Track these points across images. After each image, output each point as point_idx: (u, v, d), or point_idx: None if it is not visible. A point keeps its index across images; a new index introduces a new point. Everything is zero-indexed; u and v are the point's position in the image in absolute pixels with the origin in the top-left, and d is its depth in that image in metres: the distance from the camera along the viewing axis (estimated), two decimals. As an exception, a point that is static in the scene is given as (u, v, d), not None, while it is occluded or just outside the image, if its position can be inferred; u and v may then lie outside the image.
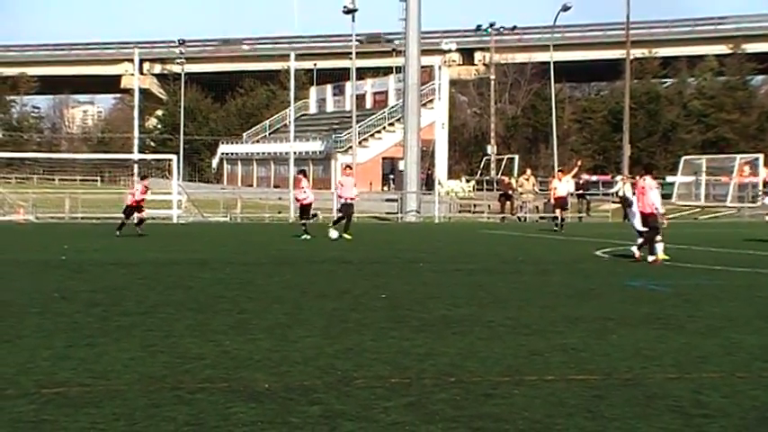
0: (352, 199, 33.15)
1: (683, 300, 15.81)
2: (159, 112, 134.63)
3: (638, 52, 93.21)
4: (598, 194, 61.24)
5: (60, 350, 10.38)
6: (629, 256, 24.19)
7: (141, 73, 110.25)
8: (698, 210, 56.96)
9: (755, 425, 7.67)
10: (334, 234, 31.47)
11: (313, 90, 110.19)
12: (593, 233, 35.15)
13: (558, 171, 45.12)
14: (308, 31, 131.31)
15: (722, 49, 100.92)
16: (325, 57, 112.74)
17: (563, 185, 41.01)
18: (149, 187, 35.39)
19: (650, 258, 22.72)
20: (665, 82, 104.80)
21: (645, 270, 21.31)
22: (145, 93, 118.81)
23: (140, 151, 70.52)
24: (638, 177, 24.99)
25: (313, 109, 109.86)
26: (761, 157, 67.68)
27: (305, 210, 33.29)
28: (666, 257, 23.32)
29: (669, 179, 67.54)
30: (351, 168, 36.71)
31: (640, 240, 24.13)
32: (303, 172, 37.43)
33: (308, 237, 31.63)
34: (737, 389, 8.89)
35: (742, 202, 61.75)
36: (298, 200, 34.21)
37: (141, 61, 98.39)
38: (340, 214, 33.48)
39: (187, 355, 10.11)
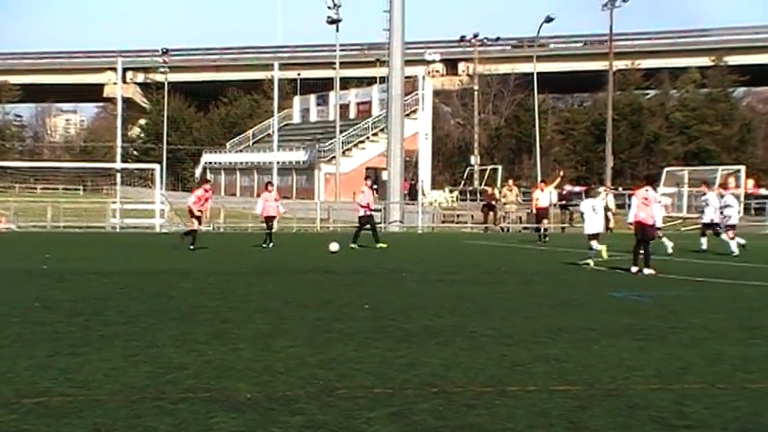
0: (371, 210, 33.84)
1: (666, 310, 15.84)
2: (142, 121, 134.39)
3: (620, 64, 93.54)
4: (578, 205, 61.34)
5: (41, 360, 10.34)
6: (613, 268, 24.28)
7: (124, 82, 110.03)
8: (680, 221, 57.10)
9: (737, 436, 7.70)
10: (383, 245, 32.42)
11: (297, 100, 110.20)
12: (577, 244, 35.16)
13: (541, 182, 45.20)
14: (291, 41, 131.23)
15: (704, 61, 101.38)
16: (309, 66, 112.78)
17: (545, 196, 41.06)
18: (210, 192, 32.65)
19: (647, 271, 22.61)
20: (648, 93, 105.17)
21: (627, 281, 21.35)
22: (128, 102, 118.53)
23: (123, 160, 70.34)
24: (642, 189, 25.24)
25: (297, 119, 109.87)
26: (743, 169, 67.99)
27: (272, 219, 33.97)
28: (606, 258, 25.04)
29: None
30: (370, 178, 37.30)
31: (595, 244, 25.27)
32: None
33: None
34: (719, 400, 8.91)
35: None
36: (278, 213, 34.47)
37: (124, 70, 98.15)
38: (367, 226, 33.74)
39: (169, 365, 10.08)
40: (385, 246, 32.35)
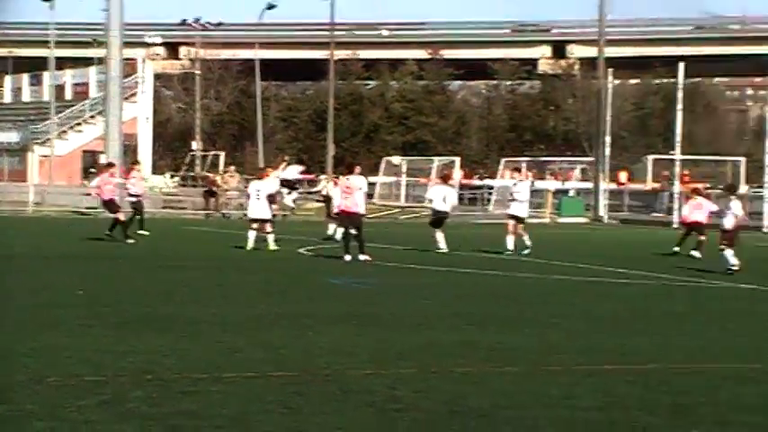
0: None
1: (384, 297, 16.19)
2: None
3: (342, 53, 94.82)
4: (303, 193, 61.85)
5: None
6: (332, 256, 24.59)
7: None
8: (398, 210, 58.55)
9: (444, 418, 7.94)
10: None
11: (8, 79, 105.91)
12: (297, 231, 35.47)
13: (266, 168, 45.06)
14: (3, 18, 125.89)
15: (422, 53, 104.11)
16: (22, 45, 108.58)
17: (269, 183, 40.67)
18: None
19: (362, 257, 22.75)
20: (369, 84, 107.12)
21: (347, 268, 21.67)
22: None
23: None
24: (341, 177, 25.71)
25: (8, 98, 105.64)
26: (457, 160, 70.39)
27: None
28: (277, 248, 25.04)
29: (371, 179, 69.07)
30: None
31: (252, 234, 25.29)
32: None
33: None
34: (431, 384, 9.17)
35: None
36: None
37: None
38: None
39: None
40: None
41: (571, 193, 57.49)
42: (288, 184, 46.04)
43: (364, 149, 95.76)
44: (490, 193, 62.37)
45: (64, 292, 15.32)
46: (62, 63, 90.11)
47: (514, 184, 28.10)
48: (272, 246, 25.32)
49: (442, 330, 12.59)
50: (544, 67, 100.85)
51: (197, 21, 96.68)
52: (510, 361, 10.55)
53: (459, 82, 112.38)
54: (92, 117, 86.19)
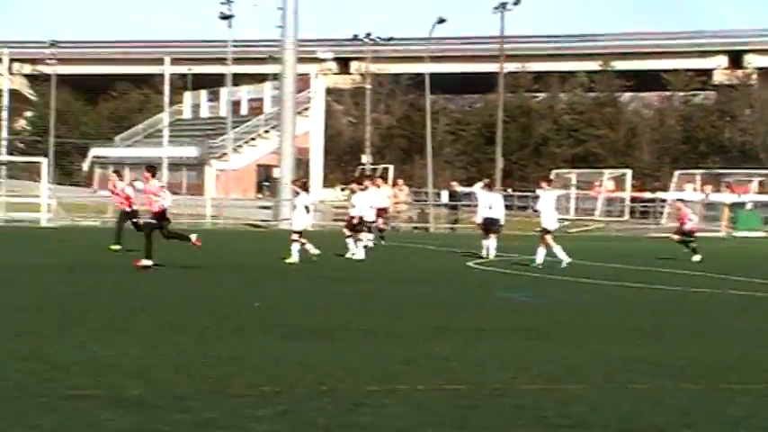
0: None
1: (553, 311, 16.08)
2: (28, 114, 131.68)
3: (511, 66, 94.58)
4: (470, 206, 61.81)
5: None
6: (505, 271, 24.58)
7: (11, 73, 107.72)
8: (568, 223, 57.97)
9: (618, 434, 7.87)
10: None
11: (187, 95, 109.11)
12: (465, 244, 35.53)
13: (376, 178, 42.85)
14: (183, 36, 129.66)
15: (592, 65, 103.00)
16: (201, 62, 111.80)
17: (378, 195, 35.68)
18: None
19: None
20: (537, 96, 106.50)
21: (516, 281, 21.62)
22: (13, 93, 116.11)
23: (9, 153, 69.02)
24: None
25: (187, 114, 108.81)
26: (629, 172, 69.33)
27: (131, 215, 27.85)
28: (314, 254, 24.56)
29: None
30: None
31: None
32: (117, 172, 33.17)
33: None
34: (601, 400, 9.09)
35: (610, 216, 63.15)
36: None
37: (11, 61, 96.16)
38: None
39: (54, 362, 9.92)
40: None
41: (748, 207, 55.86)
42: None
43: (533, 162, 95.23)
44: (663, 206, 61.15)
45: (238, 303, 15.70)
46: (239, 79, 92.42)
47: (538, 196, 27.65)
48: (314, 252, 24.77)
49: (612, 344, 12.42)
50: (720, 77, 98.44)
51: (368, 36, 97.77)
52: (685, 377, 10.37)
53: (630, 93, 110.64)
54: (266, 132, 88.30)
